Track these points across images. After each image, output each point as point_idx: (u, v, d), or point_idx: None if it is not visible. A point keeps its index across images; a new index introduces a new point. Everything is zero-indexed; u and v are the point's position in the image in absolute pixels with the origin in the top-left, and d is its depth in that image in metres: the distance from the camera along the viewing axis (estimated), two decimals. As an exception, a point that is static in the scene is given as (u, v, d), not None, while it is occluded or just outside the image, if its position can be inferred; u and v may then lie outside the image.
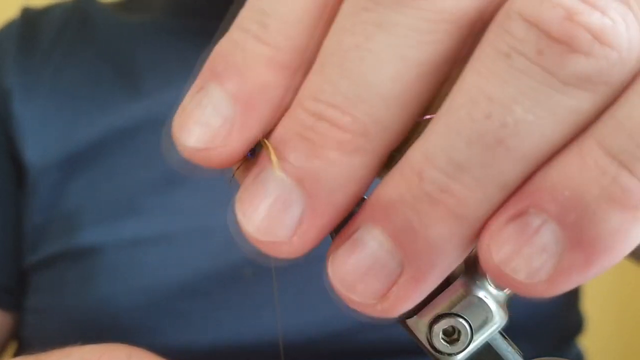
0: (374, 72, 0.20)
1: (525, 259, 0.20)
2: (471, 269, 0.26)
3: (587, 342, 0.72)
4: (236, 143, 0.22)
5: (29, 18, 0.73)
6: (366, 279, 0.21)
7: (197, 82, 0.23)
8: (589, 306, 0.73)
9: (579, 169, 0.19)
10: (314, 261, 0.58)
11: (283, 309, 0.58)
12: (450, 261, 0.21)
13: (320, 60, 0.21)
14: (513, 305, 0.62)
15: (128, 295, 0.58)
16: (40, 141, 0.65)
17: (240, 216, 0.22)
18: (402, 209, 0.20)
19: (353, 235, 0.22)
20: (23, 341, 0.68)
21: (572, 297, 0.69)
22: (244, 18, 0.22)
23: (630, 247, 0.20)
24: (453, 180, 0.20)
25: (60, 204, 0.63)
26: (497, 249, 0.21)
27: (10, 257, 0.65)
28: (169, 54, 0.68)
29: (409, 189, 0.20)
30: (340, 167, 0.21)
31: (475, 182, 0.20)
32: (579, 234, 0.20)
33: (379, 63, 0.20)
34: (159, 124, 0.62)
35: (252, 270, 0.58)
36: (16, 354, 0.69)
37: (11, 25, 0.74)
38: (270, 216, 0.22)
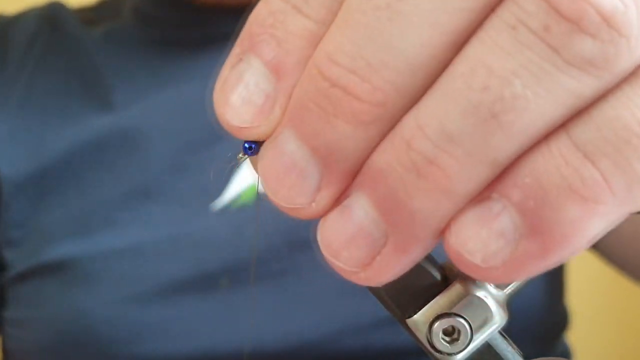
0: (403, 36, 0.19)
1: (483, 242, 0.20)
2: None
3: (573, 337, 0.73)
4: (277, 120, 0.21)
5: (0, 27, 0.72)
6: (350, 247, 0.21)
7: (237, 50, 0.22)
8: (574, 301, 0.74)
9: (544, 157, 0.19)
10: (290, 270, 0.59)
11: (261, 317, 0.58)
12: (434, 235, 0.21)
13: (344, 14, 0.20)
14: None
15: (104, 307, 0.59)
16: (11, 156, 0.65)
17: (263, 185, 0.22)
18: (389, 177, 0.20)
19: (344, 202, 0.21)
20: (7, 353, 0.68)
21: (556, 292, 0.70)
22: None
23: (587, 240, 0.20)
24: (442, 151, 0.19)
25: (33, 218, 0.63)
26: (457, 231, 0.20)
27: None
28: (137, 64, 0.68)
29: (397, 158, 0.20)
30: (355, 139, 0.20)
31: (465, 156, 0.19)
32: (537, 222, 0.19)
33: (410, 27, 0.19)
34: (129, 136, 0.62)
35: (228, 280, 0.59)
36: None
37: None
38: (289, 185, 0.21)
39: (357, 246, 0.21)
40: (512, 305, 0.60)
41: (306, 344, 0.58)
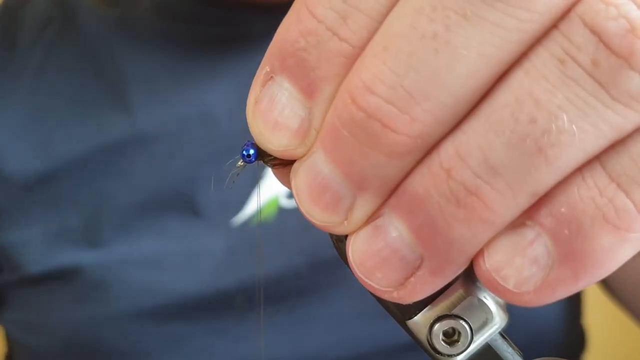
0: (450, 68, 0.18)
1: (516, 269, 0.20)
2: (471, 271, 0.26)
3: (591, 358, 0.72)
4: (314, 142, 0.21)
5: (9, 11, 0.68)
6: (385, 268, 0.21)
7: (266, 68, 0.21)
8: (591, 323, 0.73)
9: (579, 188, 0.19)
10: (310, 291, 0.57)
11: (278, 338, 0.57)
12: (469, 259, 0.21)
13: (383, 39, 0.19)
14: (515, 323, 0.62)
15: (115, 318, 0.57)
16: (19, 153, 0.61)
17: (297, 202, 0.22)
18: (427, 205, 0.20)
19: (376, 221, 0.21)
20: (12, 355, 0.67)
21: (575, 313, 0.69)
22: (316, 2, 0.20)
23: (617, 265, 0.20)
24: (484, 182, 0.19)
25: (44, 220, 0.60)
26: (491, 256, 0.21)
27: None
28: (157, 62, 0.63)
29: (435, 186, 0.20)
30: (390, 167, 0.20)
31: (507, 187, 0.19)
32: (570, 250, 0.20)
33: (458, 59, 0.18)
34: (147, 142, 0.59)
35: (244, 298, 0.57)
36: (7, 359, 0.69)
37: None
38: (323, 205, 0.21)
39: (391, 267, 0.21)
40: (532, 326, 0.59)
41: None
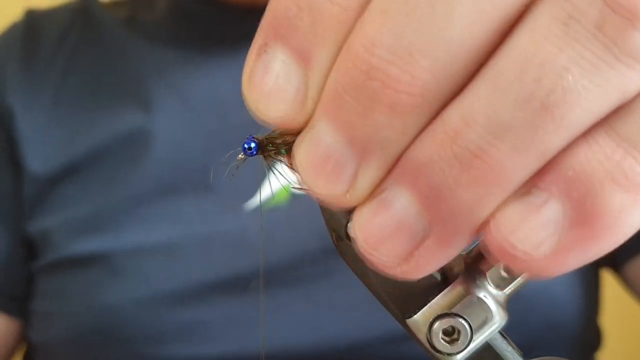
0: (447, 24, 0.18)
1: (527, 233, 0.20)
2: (471, 269, 0.26)
3: (605, 357, 0.71)
4: (311, 110, 0.21)
5: (32, 20, 0.72)
6: (391, 240, 0.21)
7: (259, 41, 0.21)
8: (607, 321, 0.72)
9: (586, 150, 0.19)
10: (324, 275, 0.58)
11: (291, 322, 0.58)
12: (477, 227, 0.21)
13: (380, 4, 0.19)
14: (532, 321, 0.61)
15: (132, 304, 0.58)
16: (43, 151, 0.65)
17: (300, 174, 0.22)
18: (432, 171, 0.19)
19: (380, 195, 0.21)
20: (31, 346, 0.69)
21: (592, 311, 0.69)
22: None
23: (629, 229, 0.20)
24: (490, 145, 0.19)
25: (64, 210, 0.63)
26: (501, 223, 0.20)
27: (15, 264, 0.66)
28: (174, 62, 0.67)
29: (440, 151, 0.19)
30: (393, 130, 0.20)
31: (513, 149, 0.19)
32: (580, 213, 0.19)
33: (454, 15, 0.18)
34: (162, 134, 0.62)
35: (259, 281, 0.58)
36: (25, 358, 0.70)
37: (14, 30, 0.72)
38: (326, 175, 0.21)
39: (397, 240, 0.21)
40: (549, 319, 0.59)
41: (336, 351, 0.57)
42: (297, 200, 0.58)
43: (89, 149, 0.64)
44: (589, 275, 0.65)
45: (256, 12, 0.64)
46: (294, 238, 0.59)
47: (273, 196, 0.59)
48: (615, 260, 0.67)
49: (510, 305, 0.26)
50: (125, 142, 0.63)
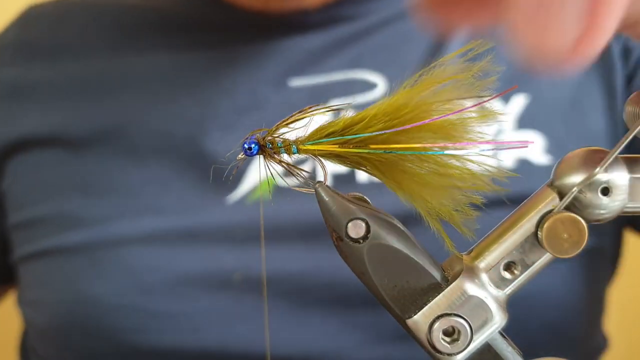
0: None
1: None
2: (471, 269, 0.26)
3: (609, 362, 0.71)
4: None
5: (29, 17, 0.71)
6: None
7: None
8: (612, 327, 0.72)
9: None
10: (308, 277, 0.57)
11: (277, 322, 0.57)
12: None
13: None
14: (537, 325, 0.61)
15: (113, 295, 0.58)
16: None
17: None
18: None
19: None
20: (25, 334, 0.69)
21: (596, 317, 0.68)
22: None
23: None
24: None
25: (51, 201, 0.62)
26: None
27: None
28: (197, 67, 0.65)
29: None
30: None
31: None
32: None
33: None
34: (148, 126, 0.61)
35: (242, 275, 0.58)
36: (21, 346, 0.70)
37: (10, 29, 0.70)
38: None
39: None
40: (554, 324, 0.59)
41: (323, 352, 0.57)
42: (280, 196, 0.58)
43: (79, 138, 0.63)
44: (593, 279, 0.64)
45: (265, 18, 0.65)
46: (277, 234, 0.59)
47: (254, 190, 0.59)
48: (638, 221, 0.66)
49: (510, 308, 0.26)
50: (109, 135, 0.62)
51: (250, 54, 0.62)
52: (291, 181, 0.54)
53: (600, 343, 0.70)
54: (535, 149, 0.59)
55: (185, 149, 0.61)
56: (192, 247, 0.59)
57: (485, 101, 0.24)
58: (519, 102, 0.60)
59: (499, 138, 0.60)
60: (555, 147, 0.60)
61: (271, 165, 0.27)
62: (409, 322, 0.25)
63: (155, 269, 0.58)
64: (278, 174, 0.25)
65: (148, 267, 0.58)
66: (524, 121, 0.60)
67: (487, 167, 0.27)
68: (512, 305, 0.27)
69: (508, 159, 0.58)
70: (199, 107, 0.61)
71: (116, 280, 0.58)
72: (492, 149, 0.27)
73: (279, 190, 0.58)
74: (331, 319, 0.58)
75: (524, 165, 0.59)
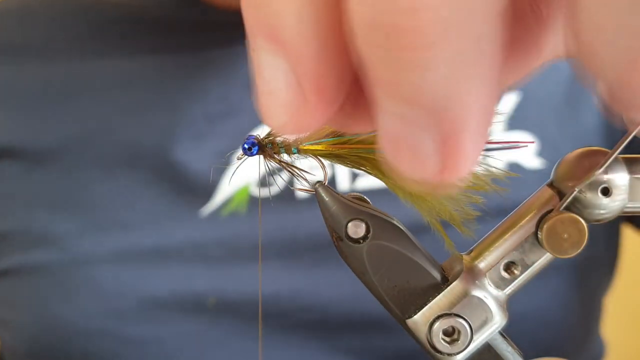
0: None
1: None
2: (471, 269, 0.26)
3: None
4: (314, 106, 0.19)
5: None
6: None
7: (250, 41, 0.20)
8: (609, 333, 0.72)
9: None
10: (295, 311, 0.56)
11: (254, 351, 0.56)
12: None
13: None
14: (534, 331, 0.61)
15: (82, 318, 0.56)
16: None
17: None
18: None
19: None
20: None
21: (592, 324, 0.68)
22: None
23: None
24: None
25: (9, 216, 0.59)
26: None
27: None
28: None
29: None
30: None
31: None
32: None
33: None
34: (114, 135, 0.58)
35: (216, 299, 0.56)
36: None
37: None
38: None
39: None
40: (550, 334, 0.58)
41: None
42: (256, 205, 0.56)
43: (41, 149, 0.59)
44: (589, 290, 0.64)
45: (241, 17, 0.62)
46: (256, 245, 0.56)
47: (230, 200, 0.56)
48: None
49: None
50: (76, 145, 0.59)
51: (223, 56, 0.59)
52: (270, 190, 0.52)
53: (597, 351, 0.70)
54: (527, 152, 0.59)
55: (153, 159, 0.57)
56: (162, 266, 0.56)
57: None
58: (509, 100, 0.59)
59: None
60: (547, 150, 0.59)
61: (269, 165, 0.27)
62: (409, 322, 0.25)
63: (125, 291, 0.55)
64: (281, 177, 0.25)
65: (117, 289, 0.55)
66: (515, 121, 0.59)
67: (487, 167, 0.27)
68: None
69: (498, 163, 0.58)
70: (168, 114, 0.58)
71: (84, 303, 0.56)
72: (487, 150, 0.27)
73: (254, 203, 0.56)
74: (310, 343, 0.57)
75: (514, 169, 0.58)
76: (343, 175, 0.56)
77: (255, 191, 0.55)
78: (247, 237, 0.56)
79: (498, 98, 0.19)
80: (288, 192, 0.55)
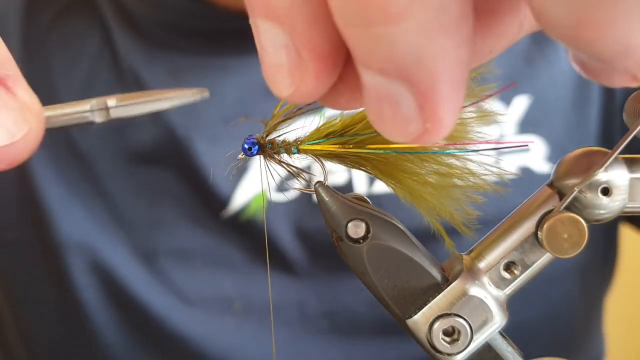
0: None
1: None
2: (471, 269, 0.26)
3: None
4: (314, 71, 0.21)
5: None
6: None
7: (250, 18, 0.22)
8: (611, 331, 0.72)
9: None
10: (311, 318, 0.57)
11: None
12: None
13: None
14: (535, 330, 0.61)
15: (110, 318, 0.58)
16: None
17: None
18: None
19: None
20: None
21: (594, 323, 0.68)
22: None
23: None
24: None
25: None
26: None
27: None
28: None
29: None
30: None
31: None
32: None
33: None
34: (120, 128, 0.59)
35: (242, 303, 0.57)
36: None
37: None
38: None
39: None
40: (551, 332, 0.58)
41: None
42: (273, 210, 0.57)
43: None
44: (589, 295, 0.64)
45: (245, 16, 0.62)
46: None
47: (248, 205, 0.57)
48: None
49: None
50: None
51: (240, 60, 0.60)
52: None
53: (598, 350, 0.70)
54: (537, 156, 0.59)
55: (170, 160, 0.59)
56: (187, 269, 0.57)
57: (484, 98, 0.24)
58: (521, 103, 0.59)
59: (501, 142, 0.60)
60: (556, 155, 0.59)
61: (271, 166, 0.27)
62: (409, 322, 0.25)
63: (148, 292, 0.58)
64: (282, 177, 0.25)
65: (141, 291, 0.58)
66: (526, 125, 0.59)
67: (487, 167, 0.27)
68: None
69: (509, 167, 0.58)
70: (184, 116, 0.59)
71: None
72: (494, 151, 0.27)
73: (272, 209, 0.57)
74: (332, 349, 0.58)
75: (525, 173, 0.58)
76: (360, 180, 0.56)
77: (273, 197, 0.56)
78: (270, 243, 0.57)
79: (472, 60, 0.21)
80: (306, 197, 0.56)
